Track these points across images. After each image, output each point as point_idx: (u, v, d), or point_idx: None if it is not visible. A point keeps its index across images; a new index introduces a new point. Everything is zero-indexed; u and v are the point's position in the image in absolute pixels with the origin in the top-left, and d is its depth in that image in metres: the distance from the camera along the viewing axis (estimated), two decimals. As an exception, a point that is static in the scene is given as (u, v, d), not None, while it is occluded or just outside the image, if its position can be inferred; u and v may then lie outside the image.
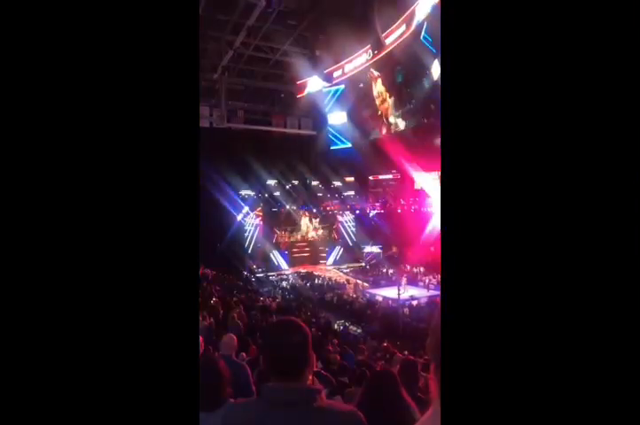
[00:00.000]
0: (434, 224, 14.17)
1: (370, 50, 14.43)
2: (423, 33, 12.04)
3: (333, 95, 16.75)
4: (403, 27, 12.80)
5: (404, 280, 13.64)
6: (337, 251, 20.23)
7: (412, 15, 12.22)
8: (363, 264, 19.06)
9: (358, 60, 15.12)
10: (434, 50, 11.97)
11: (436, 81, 12.42)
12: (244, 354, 3.68)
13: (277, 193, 19.20)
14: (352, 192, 20.20)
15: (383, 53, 13.83)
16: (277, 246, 19.31)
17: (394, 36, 13.22)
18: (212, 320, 5.16)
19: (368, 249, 19.59)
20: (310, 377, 1.00)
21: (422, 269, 15.81)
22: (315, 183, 19.94)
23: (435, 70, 12.33)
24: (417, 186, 15.87)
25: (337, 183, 20.18)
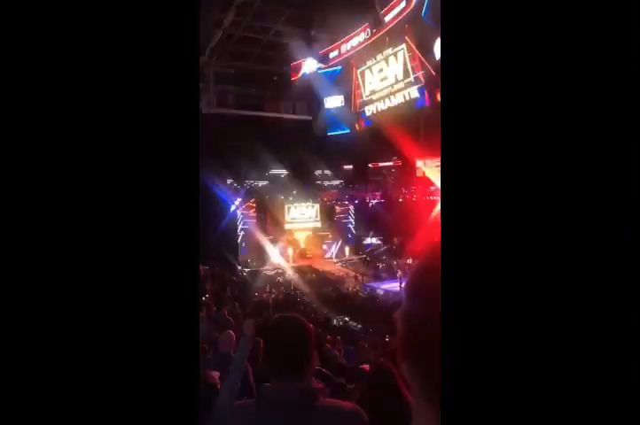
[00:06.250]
0: (437, 213, 14.20)
1: (368, 29, 14.27)
2: (424, 9, 11.91)
3: (329, 77, 16.61)
4: (403, 4, 12.65)
5: (399, 273, 13.72)
6: (335, 244, 20.27)
7: (413, -10, 12.10)
8: (363, 256, 19.12)
9: (356, 40, 14.96)
10: (436, 27, 11.85)
11: (438, 60, 12.33)
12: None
13: (271, 182, 19.14)
14: (351, 181, 20.16)
15: (382, 32, 13.69)
16: (273, 239, 19.31)
17: (394, 13, 13.07)
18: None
19: (368, 240, 19.62)
20: (311, 376, 1.02)
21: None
22: (311, 172, 19.87)
23: (437, 49, 12.24)
24: (420, 173, 15.86)
25: (335, 171, 20.13)
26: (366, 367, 3.34)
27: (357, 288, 14.66)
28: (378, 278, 15.92)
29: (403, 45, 13.38)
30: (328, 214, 20.60)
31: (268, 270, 17.47)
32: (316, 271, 17.10)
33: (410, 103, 13.82)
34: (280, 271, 17.33)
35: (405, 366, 0.44)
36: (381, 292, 13.45)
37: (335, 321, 10.15)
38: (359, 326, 10.21)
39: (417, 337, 0.43)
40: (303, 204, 20.15)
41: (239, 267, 16.84)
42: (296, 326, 0.96)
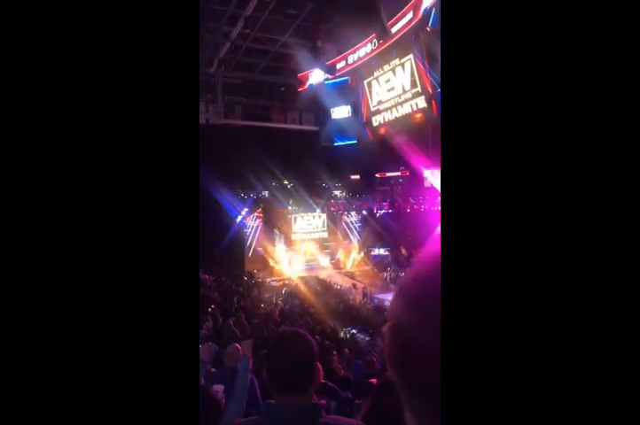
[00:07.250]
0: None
1: (375, 40, 14.42)
2: (431, 20, 12.02)
3: (336, 87, 16.74)
4: (410, 15, 12.77)
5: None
6: (341, 254, 20.24)
7: (419, 1, 12.22)
8: (371, 267, 19.05)
9: (362, 50, 15.11)
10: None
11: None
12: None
13: (278, 193, 19.22)
14: (358, 191, 20.20)
15: (389, 43, 13.82)
16: (280, 249, 19.31)
17: (401, 24, 13.20)
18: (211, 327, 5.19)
19: (375, 251, 19.57)
20: (315, 391, 1.01)
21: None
22: (318, 182, 19.93)
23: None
24: (428, 183, 15.85)
25: (342, 181, 20.18)
26: (374, 380, 3.30)
27: (365, 299, 14.57)
28: (385, 289, 15.83)
29: (410, 56, 13.49)
30: (335, 224, 20.59)
31: (274, 281, 17.44)
32: (322, 282, 17.04)
33: (418, 113, 13.88)
34: (287, 282, 17.28)
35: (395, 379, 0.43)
36: (389, 304, 13.35)
37: (342, 334, 10.07)
38: (367, 338, 10.11)
39: (404, 351, 0.42)
40: (310, 214, 20.17)
41: (246, 278, 16.83)
42: (298, 342, 0.95)
